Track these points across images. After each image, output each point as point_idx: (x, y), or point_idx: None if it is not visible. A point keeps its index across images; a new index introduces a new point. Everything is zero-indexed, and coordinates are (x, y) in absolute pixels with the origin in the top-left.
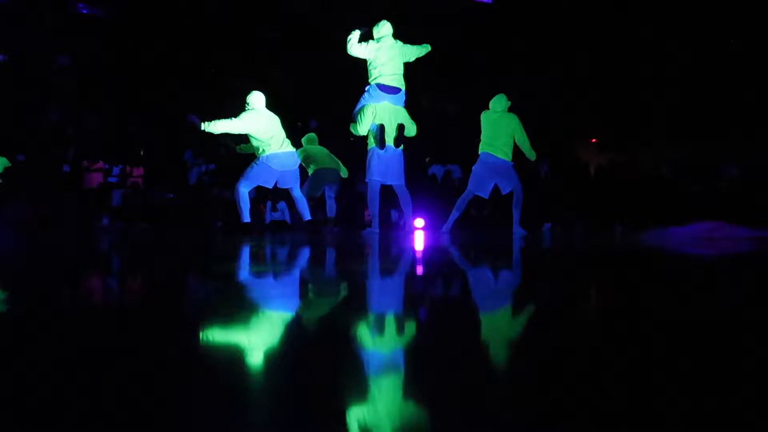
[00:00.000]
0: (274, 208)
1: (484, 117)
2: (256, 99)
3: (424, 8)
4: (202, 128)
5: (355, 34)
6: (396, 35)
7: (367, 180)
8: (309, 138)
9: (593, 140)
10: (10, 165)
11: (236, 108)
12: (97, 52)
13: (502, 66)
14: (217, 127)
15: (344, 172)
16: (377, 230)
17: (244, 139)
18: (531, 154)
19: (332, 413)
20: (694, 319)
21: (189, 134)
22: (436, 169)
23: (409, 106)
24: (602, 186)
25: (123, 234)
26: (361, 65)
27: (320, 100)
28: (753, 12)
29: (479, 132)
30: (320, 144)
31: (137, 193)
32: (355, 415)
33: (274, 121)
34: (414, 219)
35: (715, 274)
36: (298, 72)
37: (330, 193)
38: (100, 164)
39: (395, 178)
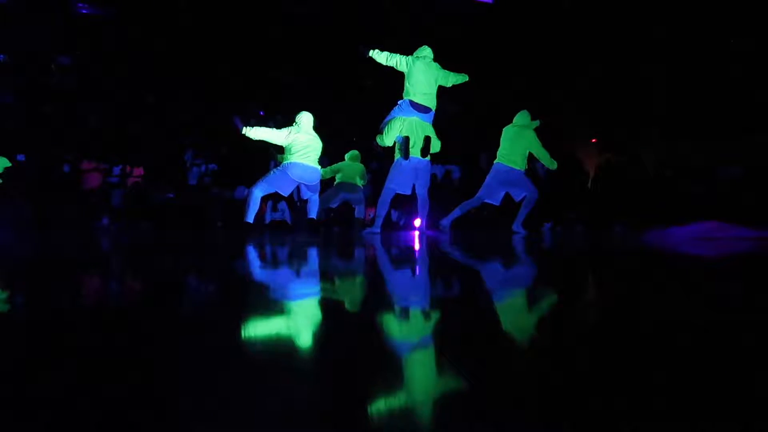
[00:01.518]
0: (274, 208)
1: (505, 131)
2: (305, 120)
3: (424, 8)
4: (243, 132)
5: (387, 53)
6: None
7: (385, 186)
8: (352, 155)
9: (593, 140)
10: (10, 165)
11: (233, 107)
12: (97, 52)
13: (502, 66)
14: (258, 133)
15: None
16: (378, 230)
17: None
18: (552, 165)
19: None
20: (694, 319)
21: (188, 135)
22: (436, 169)
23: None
24: (602, 186)
25: (123, 234)
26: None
27: (320, 99)
28: (753, 11)
29: (480, 132)
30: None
31: (137, 193)
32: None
33: (314, 143)
34: (421, 220)
35: (715, 274)
36: (300, 72)
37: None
38: (101, 164)
39: (420, 186)
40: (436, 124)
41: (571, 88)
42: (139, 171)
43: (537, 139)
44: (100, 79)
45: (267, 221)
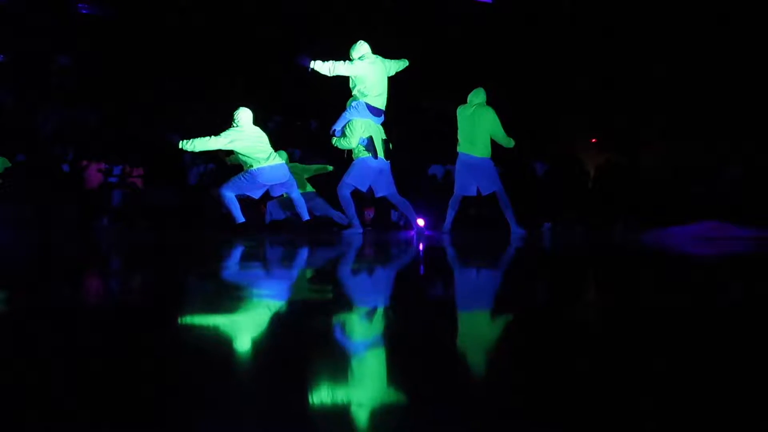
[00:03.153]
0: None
1: (460, 112)
2: (243, 116)
3: (424, 8)
4: (180, 147)
5: (330, 62)
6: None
7: (342, 181)
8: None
9: (593, 140)
10: (10, 165)
11: (229, 110)
12: (97, 52)
13: (502, 66)
14: (196, 145)
15: (328, 168)
16: (360, 230)
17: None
18: (508, 143)
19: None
20: (694, 319)
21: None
22: (436, 169)
23: (410, 105)
24: (602, 186)
25: (122, 234)
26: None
27: (321, 100)
28: (753, 11)
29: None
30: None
31: (137, 193)
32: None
33: (260, 137)
34: (423, 219)
35: (715, 274)
36: (297, 71)
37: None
38: (101, 164)
39: (384, 189)
40: (438, 125)
41: (571, 88)
42: (139, 171)
43: (497, 118)
44: (100, 79)
45: (267, 222)
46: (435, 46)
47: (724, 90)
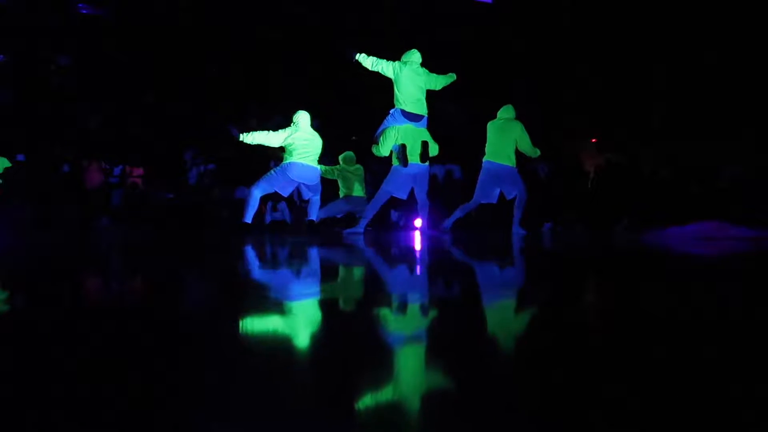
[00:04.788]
0: (274, 208)
1: (490, 126)
2: (302, 118)
3: (424, 9)
4: (240, 139)
5: (374, 57)
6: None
7: (381, 188)
8: (346, 157)
9: (593, 140)
10: (10, 165)
11: (236, 109)
12: (97, 52)
13: (502, 66)
14: (255, 138)
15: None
16: (362, 231)
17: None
18: (534, 153)
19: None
20: (694, 319)
21: (189, 137)
22: (437, 169)
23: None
24: (602, 186)
25: (123, 234)
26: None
27: (322, 100)
28: (753, 11)
29: (481, 132)
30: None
31: (137, 193)
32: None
33: (314, 142)
34: (422, 220)
35: (715, 274)
36: (301, 73)
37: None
38: (101, 164)
39: (420, 191)
40: (437, 126)
41: (571, 88)
42: (139, 171)
43: (524, 131)
44: (100, 79)
45: (267, 221)
46: (435, 46)
47: (724, 90)
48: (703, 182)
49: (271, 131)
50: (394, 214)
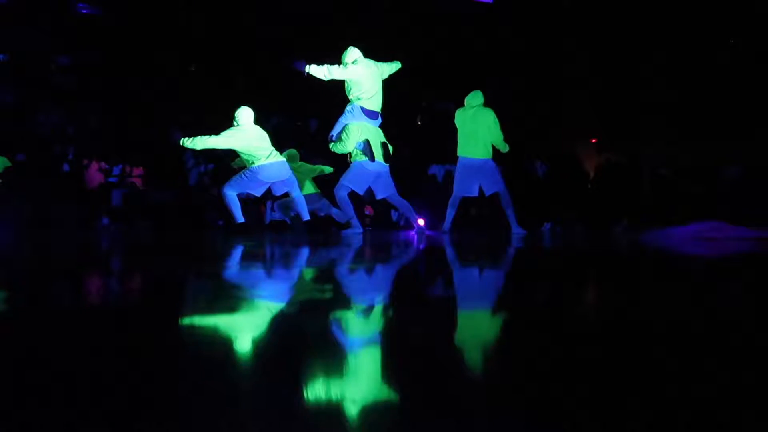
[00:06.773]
0: (273, 209)
1: (459, 115)
2: (244, 115)
3: (424, 8)
4: (182, 144)
5: (325, 67)
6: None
7: (339, 183)
8: (289, 155)
9: (593, 140)
10: (10, 165)
11: (230, 109)
12: (97, 52)
13: (502, 65)
14: (197, 143)
15: (328, 169)
16: (360, 230)
17: (236, 153)
18: (503, 147)
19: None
20: (694, 319)
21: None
22: (436, 169)
23: (411, 105)
24: (602, 186)
25: (123, 234)
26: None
27: (321, 100)
28: (753, 11)
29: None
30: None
31: (137, 193)
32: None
33: (261, 136)
34: (423, 219)
35: (715, 274)
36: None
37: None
38: (101, 164)
39: (384, 191)
40: (437, 125)
41: (571, 88)
42: (139, 171)
43: (496, 119)
44: (100, 79)
45: (267, 221)
46: (435, 45)
47: (723, 90)
48: (703, 182)
49: (213, 135)
50: (394, 215)
